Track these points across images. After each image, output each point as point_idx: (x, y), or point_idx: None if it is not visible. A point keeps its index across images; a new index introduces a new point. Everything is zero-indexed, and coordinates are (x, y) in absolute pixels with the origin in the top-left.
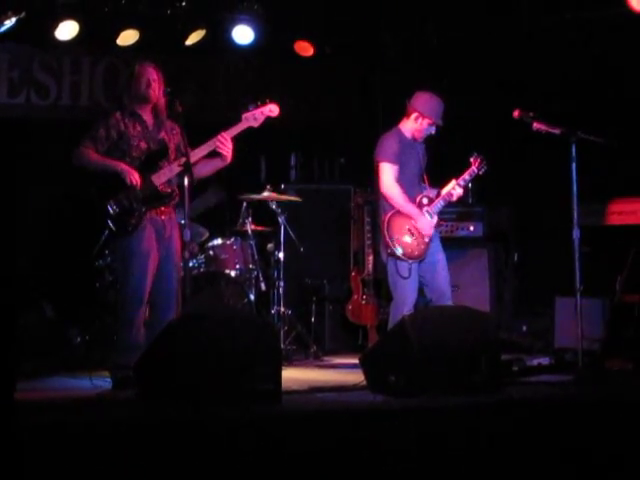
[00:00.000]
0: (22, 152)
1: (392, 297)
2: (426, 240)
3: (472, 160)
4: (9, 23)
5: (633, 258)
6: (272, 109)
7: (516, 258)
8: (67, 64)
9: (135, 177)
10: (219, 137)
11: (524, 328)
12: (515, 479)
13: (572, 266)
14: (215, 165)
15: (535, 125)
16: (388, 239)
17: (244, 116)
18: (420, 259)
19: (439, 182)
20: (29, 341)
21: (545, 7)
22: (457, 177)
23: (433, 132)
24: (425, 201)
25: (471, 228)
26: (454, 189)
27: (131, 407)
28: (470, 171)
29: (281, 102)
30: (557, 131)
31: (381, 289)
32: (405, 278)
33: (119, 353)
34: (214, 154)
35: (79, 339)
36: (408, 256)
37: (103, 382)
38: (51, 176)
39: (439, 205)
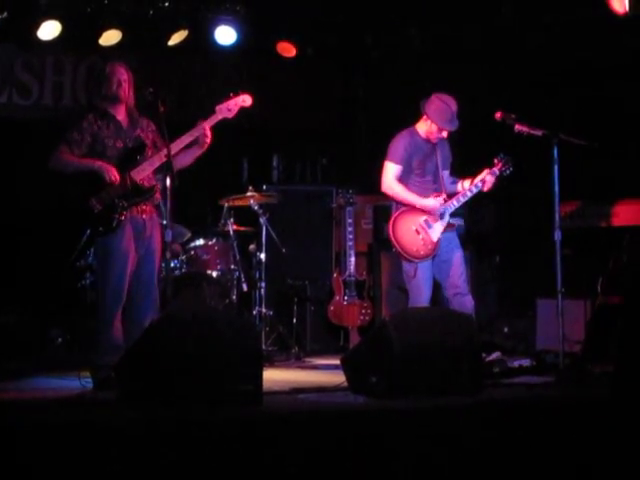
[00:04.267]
0: (2, 152)
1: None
2: (434, 238)
3: (496, 161)
4: None
5: (614, 259)
6: (245, 99)
7: (498, 259)
8: (49, 64)
9: (113, 173)
10: (199, 127)
11: (505, 329)
12: None
13: (553, 267)
14: (194, 153)
15: (517, 127)
16: (393, 240)
17: (217, 108)
18: (428, 257)
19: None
20: (10, 341)
21: (528, 9)
22: (474, 176)
23: (445, 136)
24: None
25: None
26: (473, 186)
27: (112, 408)
28: (491, 171)
29: (263, 103)
30: (539, 133)
31: (363, 290)
32: (412, 277)
33: (99, 353)
34: (191, 143)
35: (61, 339)
36: (413, 256)
37: (85, 382)
38: (32, 176)
39: (452, 206)
